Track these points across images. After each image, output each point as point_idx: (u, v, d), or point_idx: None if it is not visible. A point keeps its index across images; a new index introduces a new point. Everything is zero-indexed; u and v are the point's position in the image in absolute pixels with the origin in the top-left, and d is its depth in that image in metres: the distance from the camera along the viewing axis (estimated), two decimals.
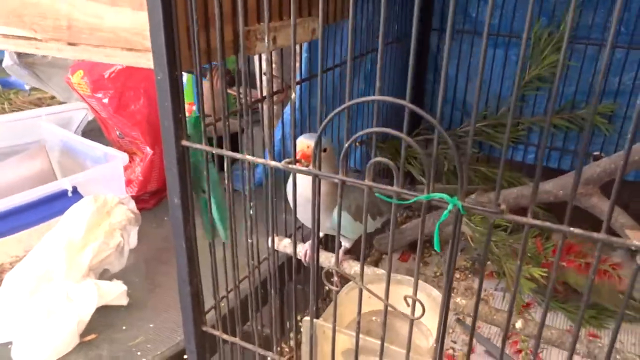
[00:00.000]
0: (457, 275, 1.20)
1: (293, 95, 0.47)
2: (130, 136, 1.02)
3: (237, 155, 0.54)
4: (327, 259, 0.78)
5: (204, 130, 0.56)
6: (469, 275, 1.20)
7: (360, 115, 1.13)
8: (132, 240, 0.93)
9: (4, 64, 1.26)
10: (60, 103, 1.38)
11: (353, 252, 0.87)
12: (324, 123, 0.45)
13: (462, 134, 1.29)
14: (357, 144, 1.14)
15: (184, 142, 0.55)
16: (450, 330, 1.05)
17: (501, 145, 1.28)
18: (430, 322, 0.63)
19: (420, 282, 0.65)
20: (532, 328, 0.66)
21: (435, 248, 0.42)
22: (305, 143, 0.70)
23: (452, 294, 1.03)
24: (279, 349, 0.62)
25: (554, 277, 0.41)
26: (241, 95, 0.58)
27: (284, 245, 0.79)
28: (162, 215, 1.07)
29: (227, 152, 0.54)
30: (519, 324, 0.66)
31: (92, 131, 1.22)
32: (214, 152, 0.55)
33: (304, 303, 1.01)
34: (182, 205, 0.57)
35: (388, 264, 0.47)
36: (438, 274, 1.21)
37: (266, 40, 0.51)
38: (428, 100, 1.39)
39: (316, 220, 0.51)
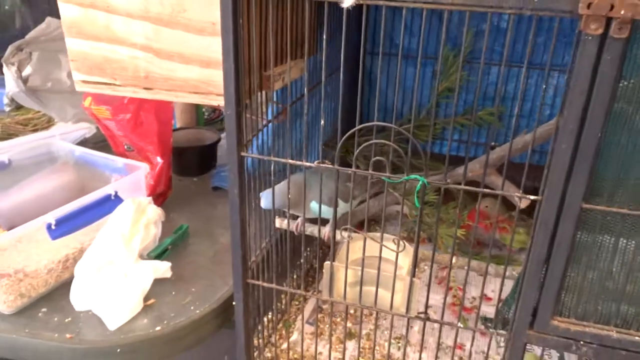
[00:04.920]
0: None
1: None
2: (141, 149, 1.27)
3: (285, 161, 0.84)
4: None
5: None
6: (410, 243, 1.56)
7: (317, 126, 1.45)
8: (159, 231, 1.18)
9: (8, 92, 1.42)
10: (49, 122, 1.57)
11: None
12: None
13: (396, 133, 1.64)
14: (323, 145, 1.45)
15: (242, 153, 0.84)
16: None
17: (424, 141, 1.66)
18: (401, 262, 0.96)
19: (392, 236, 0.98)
20: None
21: (416, 204, 0.75)
22: None
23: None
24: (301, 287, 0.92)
25: (493, 238, 0.75)
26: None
27: (295, 223, 1.08)
28: (168, 212, 1.32)
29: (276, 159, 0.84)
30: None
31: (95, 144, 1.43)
32: (273, 159, 0.84)
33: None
34: (239, 194, 0.85)
35: (382, 228, 0.79)
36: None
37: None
38: (365, 109, 1.73)
39: (335, 205, 0.82)
